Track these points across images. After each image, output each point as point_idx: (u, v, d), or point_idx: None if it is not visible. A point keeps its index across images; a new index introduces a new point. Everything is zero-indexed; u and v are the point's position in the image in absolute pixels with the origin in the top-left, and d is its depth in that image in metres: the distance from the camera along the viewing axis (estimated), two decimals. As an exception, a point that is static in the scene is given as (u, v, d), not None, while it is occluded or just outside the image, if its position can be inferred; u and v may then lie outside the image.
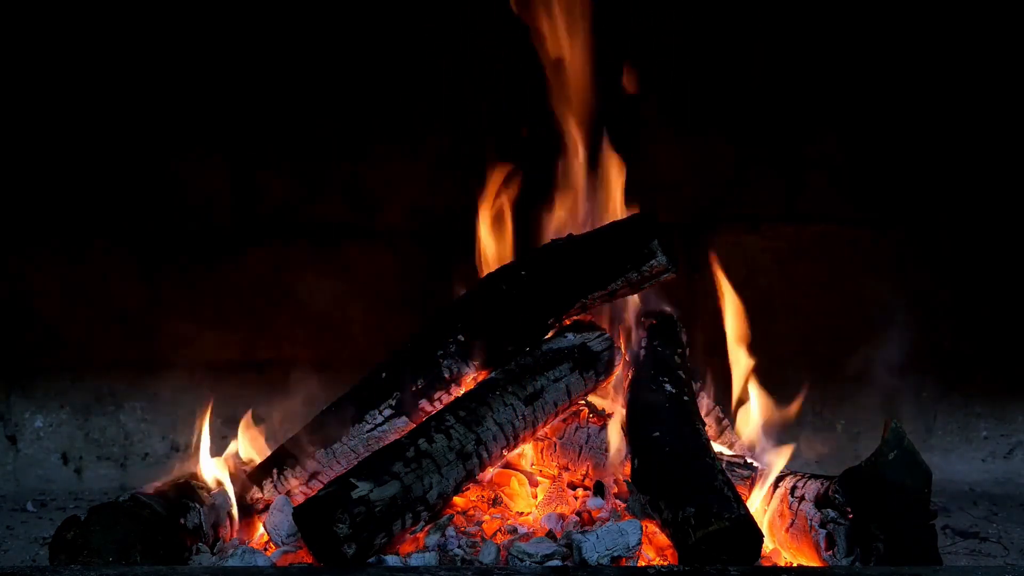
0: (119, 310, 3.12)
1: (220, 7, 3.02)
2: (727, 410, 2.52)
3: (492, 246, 2.57)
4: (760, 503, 2.18)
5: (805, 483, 2.14)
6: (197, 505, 2.17)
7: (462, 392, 2.31)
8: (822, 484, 2.09)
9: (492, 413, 2.18)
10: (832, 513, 2.02)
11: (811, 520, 2.06)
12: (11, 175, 3.07)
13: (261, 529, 2.27)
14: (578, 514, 2.23)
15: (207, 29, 3.03)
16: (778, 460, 2.25)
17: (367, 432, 2.29)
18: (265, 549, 2.20)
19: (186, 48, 3.04)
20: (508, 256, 2.55)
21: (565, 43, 2.54)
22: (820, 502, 2.06)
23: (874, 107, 3.09)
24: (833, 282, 3.17)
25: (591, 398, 2.44)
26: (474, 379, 2.34)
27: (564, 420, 2.39)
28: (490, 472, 2.31)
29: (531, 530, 2.18)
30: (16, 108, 3.04)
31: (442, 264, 3.00)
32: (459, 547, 2.08)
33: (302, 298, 3.11)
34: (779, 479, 2.20)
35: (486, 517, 2.22)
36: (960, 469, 3.18)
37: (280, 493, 2.28)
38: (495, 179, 2.61)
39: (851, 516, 1.99)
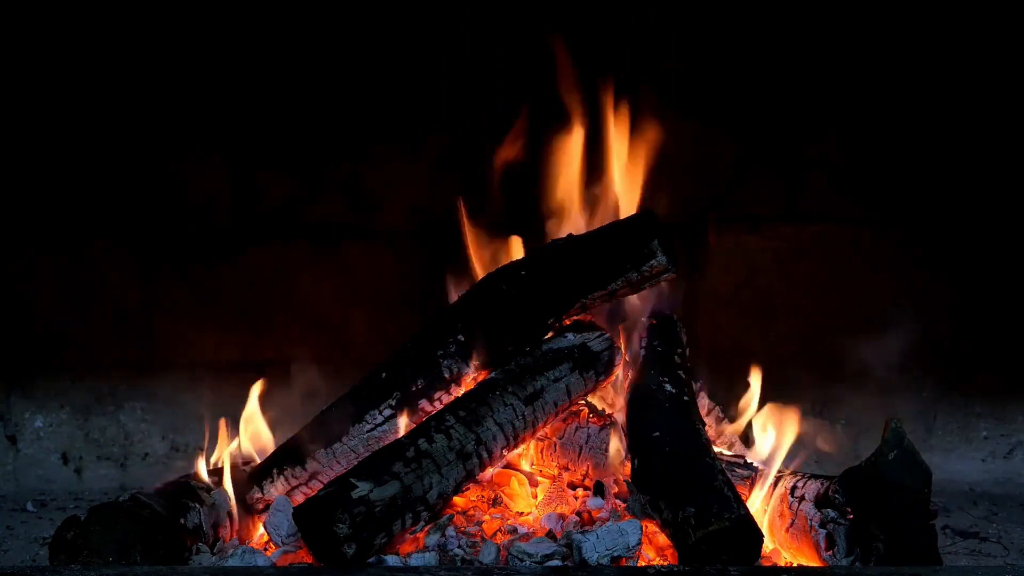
0: (119, 310, 3.12)
1: (220, 7, 3.02)
2: (727, 410, 2.52)
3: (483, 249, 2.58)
4: (760, 503, 2.18)
5: (805, 483, 2.14)
6: (197, 505, 2.17)
7: (462, 392, 2.31)
8: (822, 484, 2.09)
9: (492, 413, 2.18)
10: (832, 513, 2.02)
11: (811, 520, 2.06)
12: (11, 175, 3.07)
13: (261, 529, 2.27)
14: (578, 514, 2.23)
15: (207, 29, 3.03)
16: (777, 459, 2.25)
17: (367, 432, 2.29)
18: (265, 549, 2.20)
19: (186, 48, 3.04)
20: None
21: None
22: (820, 502, 2.06)
23: (874, 107, 3.08)
24: (833, 282, 3.17)
25: (591, 398, 2.44)
26: (474, 379, 2.34)
27: (564, 420, 2.39)
28: (490, 472, 2.31)
29: (531, 530, 2.17)
30: (16, 108, 3.04)
31: (442, 264, 2.99)
32: (459, 547, 2.08)
33: (302, 298, 3.11)
34: (779, 479, 2.20)
35: (486, 517, 2.22)
36: (960, 469, 3.17)
37: (280, 493, 2.28)
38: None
39: (851, 516, 1.99)
